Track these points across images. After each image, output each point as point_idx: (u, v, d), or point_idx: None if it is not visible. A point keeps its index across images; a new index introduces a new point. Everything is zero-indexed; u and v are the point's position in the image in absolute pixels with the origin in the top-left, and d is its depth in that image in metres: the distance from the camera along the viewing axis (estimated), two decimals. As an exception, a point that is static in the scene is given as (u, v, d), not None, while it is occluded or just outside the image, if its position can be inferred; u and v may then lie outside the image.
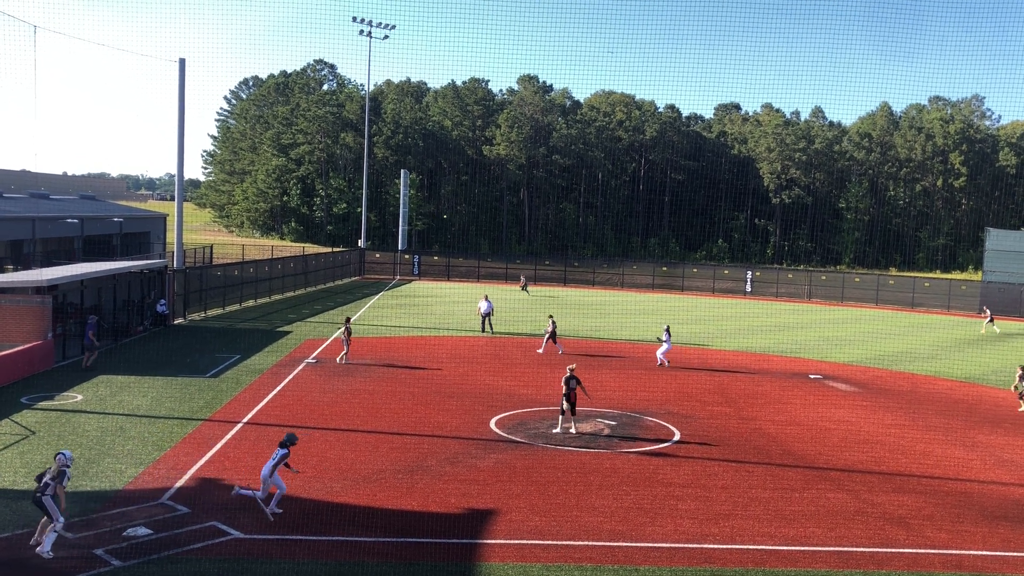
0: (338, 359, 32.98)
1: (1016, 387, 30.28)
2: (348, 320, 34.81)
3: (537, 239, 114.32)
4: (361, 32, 77.93)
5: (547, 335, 37.45)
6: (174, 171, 48.17)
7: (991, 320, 54.10)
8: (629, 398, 28.69)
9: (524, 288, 63.27)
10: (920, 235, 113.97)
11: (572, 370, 24.43)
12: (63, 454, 15.45)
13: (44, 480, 15.07)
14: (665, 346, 35.72)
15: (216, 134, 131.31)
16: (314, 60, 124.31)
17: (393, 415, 25.17)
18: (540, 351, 37.39)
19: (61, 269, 36.93)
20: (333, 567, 14.74)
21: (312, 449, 21.42)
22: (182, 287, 43.82)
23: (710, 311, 59.33)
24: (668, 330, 36.27)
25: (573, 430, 23.82)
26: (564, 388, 24.04)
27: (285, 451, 16.95)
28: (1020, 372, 30.36)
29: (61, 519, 14.84)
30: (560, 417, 24.18)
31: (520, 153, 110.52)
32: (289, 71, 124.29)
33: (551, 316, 38.70)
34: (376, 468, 20.10)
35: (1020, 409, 29.74)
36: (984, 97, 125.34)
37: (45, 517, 14.97)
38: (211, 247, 72.33)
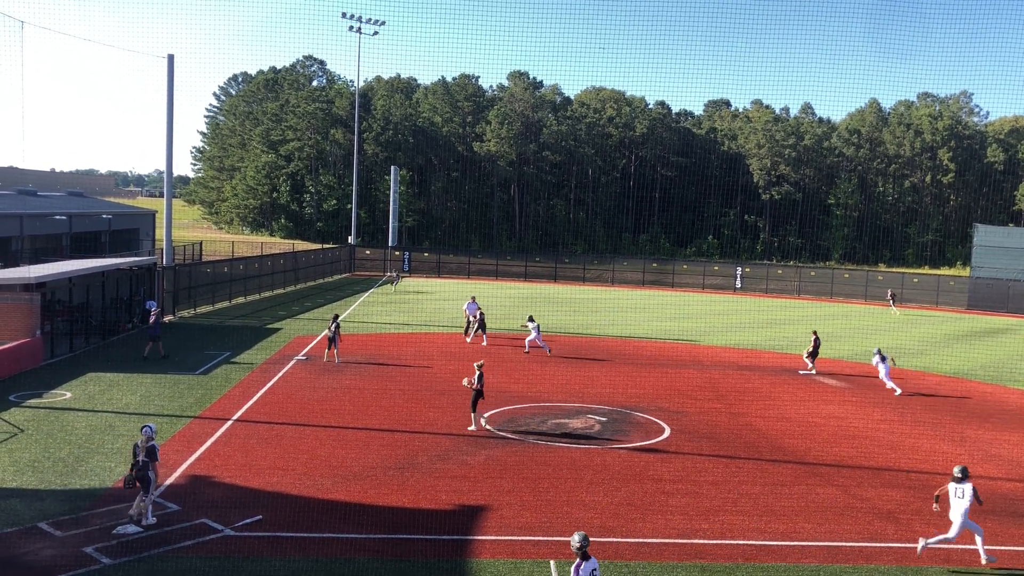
0: (324, 358, 32.68)
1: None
2: (336, 318, 34.43)
3: (527, 236, 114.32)
4: (351, 28, 77.78)
5: (474, 325, 36.46)
6: (163, 167, 47.98)
7: (892, 303, 61.37)
8: (619, 394, 28.74)
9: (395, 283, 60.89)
10: (909, 231, 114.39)
11: (480, 367, 24.23)
12: (149, 427, 16.54)
13: (140, 458, 16.03)
14: (533, 334, 36.51)
15: (205, 130, 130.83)
16: (303, 56, 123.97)
17: (383, 412, 25.16)
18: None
19: (49, 266, 36.76)
20: (324, 564, 14.73)
21: (302, 446, 21.40)
22: (171, 284, 43.66)
23: (700, 307, 59.46)
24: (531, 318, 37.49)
25: (473, 427, 23.51)
26: (479, 384, 23.59)
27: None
28: (814, 339, 34.70)
29: (154, 493, 16.21)
30: (473, 415, 23.74)
31: (510, 149, 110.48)
32: (278, 67, 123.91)
33: (477, 307, 37.32)
34: (367, 465, 20.09)
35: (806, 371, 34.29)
36: (972, 93, 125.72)
37: (141, 492, 15.92)
38: (200, 244, 72.10)
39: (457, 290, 58.01)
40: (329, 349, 32.64)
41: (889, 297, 62.94)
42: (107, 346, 34.78)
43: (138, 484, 16.03)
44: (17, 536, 15.26)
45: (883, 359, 31.88)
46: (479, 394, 23.67)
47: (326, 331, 34.46)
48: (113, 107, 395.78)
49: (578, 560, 11.79)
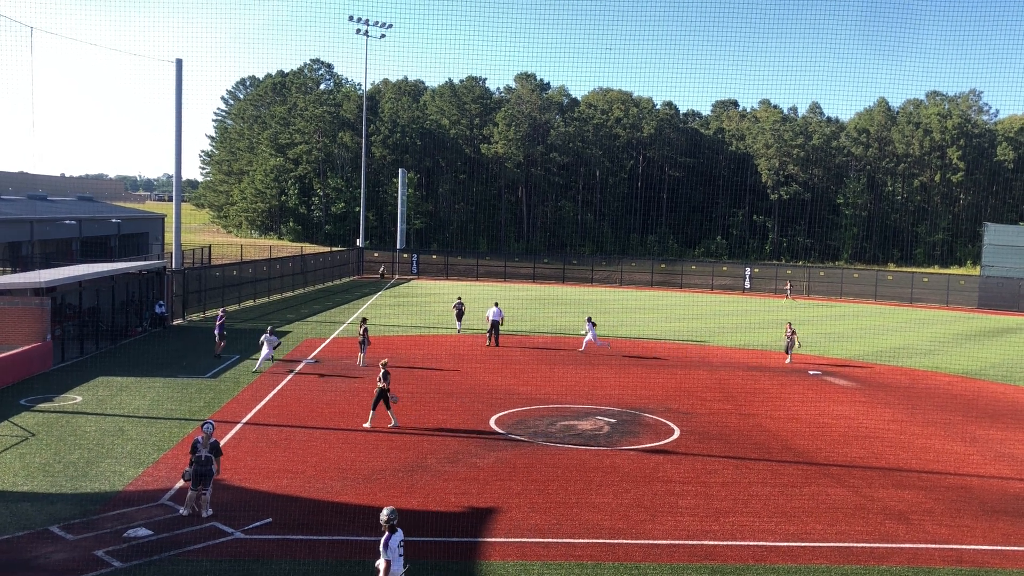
0: (358, 362, 32.63)
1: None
2: (364, 321, 34.39)
3: (535, 237, 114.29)
4: (358, 31, 77.94)
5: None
6: (172, 172, 48.14)
7: (789, 294, 66.81)
8: (628, 395, 28.69)
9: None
10: (918, 230, 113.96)
11: (385, 365, 24.17)
12: (209, 423, 17.22)
13: (202, 453, 16.70)
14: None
15: (214, 134, 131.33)
16: (311, 60, 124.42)
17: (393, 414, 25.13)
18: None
19: (59, 271, 36.89)
20: (333, 566, 14.73)
21: (312, 449, 21.42)
22: (181, 288, 43.79)
23: (709, 307, 59.33)
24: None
25: (393, 423, 23.52)
26: (385, 384, 23.47)
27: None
28: (788, 330, 37.07)
29: (209, 490, 16.75)
30: (371, 413, 23.62)
31: (518, 151, 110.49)
32: (286, 71, 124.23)
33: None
34: (376, 467, 20.09)
35: (786, 361, 36.28)
36: (981, 92, 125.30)
37: (201, 488, 16.50)
38: (209, 247, 72.27)
39: (465, 292, 58.02)
40: (362, 352, 32.67)
41: (787, 287, 68.82)
42: (117, 350, 34.89)
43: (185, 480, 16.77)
44: (28, 539, 15.31)
45: (592, 325, 37.29)
46: (384, 392, 23.50)
47: (356, 335, 34.26)
48: (122, 112, 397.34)
49: (387, 533, 12.44)
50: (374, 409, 23.70)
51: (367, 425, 23.50)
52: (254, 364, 32.31)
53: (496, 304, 39.72)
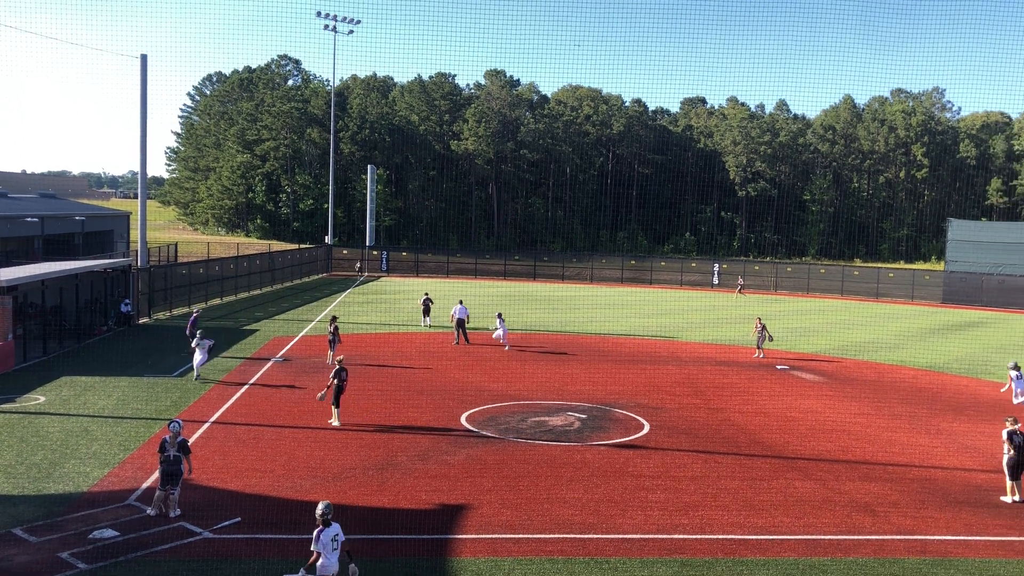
0: (328, 360, 32.30)
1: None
2: (335, 319, 34.17)
3: (506, 234, 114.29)
4: (326, 27, 77.37)
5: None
6: (137, 168, 47.53)
7: (740, 289, 69.90)
8: (599, 391, 28.79)
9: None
10: (884, 226, 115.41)
11: (341, 362, 24.29)
12: (176, 422, 17.10)
13: (170, 453, 16.60)
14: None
15: (180, 131, 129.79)
16: (278, 55, 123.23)
17: (362, 412, 25.04)
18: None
19: (21, 269, 36.26)
20: (303, 565, 14.62)
21: (281, 447, 21.26)
22: (147, 286, 43.26)
23: (678, 303, 59.69)
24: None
25: (336, 423, 23.39)
26: (335, 380, 23.38)
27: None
28: (758, 325, 37.34)
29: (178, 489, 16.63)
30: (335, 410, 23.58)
31: (488, 148, 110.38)
32: (253, 67, 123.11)
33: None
34: (346, 465, 19.99)
35: (757, 356, 36.75)
36: (945, 89, 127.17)
37: (169, 487, 16.38)
38: (176, 245, 71.46)
39: (434, 289, 57.85)
40: (331, 350, 32.45)
41: (739, 282, 71.42)
42: (82, 349, 34.41)
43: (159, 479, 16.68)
44: (-9, 542, 15.05)
45: (502, 321, 37.96)
46: (340, 389, 23.48)
47: (326, 333, 34.00)
48: (86, 108, 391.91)
49: (320, 527, 12.79)
50: (337, 406, 23.54)
51: (335, 423, 23.37)
52: (222, 363, 31.99)
53: (460, 302, 39.66)
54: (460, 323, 38.40)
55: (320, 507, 12.95)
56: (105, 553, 14.72)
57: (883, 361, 37.39)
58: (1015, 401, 28.85)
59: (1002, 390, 30.52)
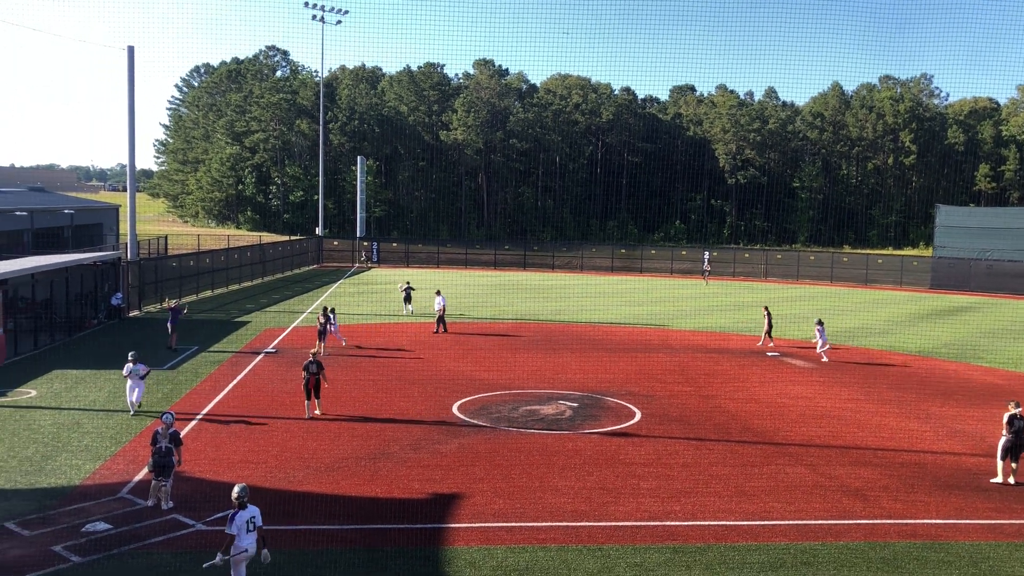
0: (320, 351, 32.13)
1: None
2: (326, 310, 34.14)
3: (496, 224, 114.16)
4: (314, 17, 76.90)
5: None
6: (125, 161, 47.31)
7: (706, 273, 68.59)
8: (590, 379, 28.87)
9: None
10: (873, 213, 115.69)
11: (315, 354, 24.46)
12: (169, 414, 17.20)
13: (162, 444, 16.59)
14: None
15: (168, 123, 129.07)
16: (266, 46, 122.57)
17: (355, 402, 25.07)
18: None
19: (10, 263, 36.10)
20: (297, 556, 14.68)
21: (274, 439, 21.28)
22: (137, 279, 43.12)
23: (669, 292, 59.80)
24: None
25: (318, 411, 23.47)
26: (304, 375, 23.42)
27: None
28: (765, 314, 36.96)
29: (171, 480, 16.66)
30: (307, 403, 23.57)
31: (477, 138, 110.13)
32: (241, 58, 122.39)
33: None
34: (339, 456, 20.02)
35: (765, 344, 36.42)
36: (932, 76, 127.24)
37: (161, 479, 16.43)
38: (166, 238, 71.19)
39: (416, 278, 57.82)
40: (321, 341, 32.44)
41: (705, 269, 69.72)
42: (72, 342, 34.31)
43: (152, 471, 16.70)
44: (-16, 536, 15.04)
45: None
46: (307, 382, 23.47)
47: (316, 324, 34.06)
48: (73, 101, 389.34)
49: (236, 509, 12.93)
50: (308, 399, 23.47)
51: (317, 412, 23.42)
52: (213, 354, 31.95)
53: (438, 292, 40.28)
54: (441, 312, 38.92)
55: (236, 489, 13.07)
56: (98, 546, 14.73)
57: (873, 347, 37.57)
58: (820, 351, 33.88)
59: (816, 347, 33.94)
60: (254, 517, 13.03)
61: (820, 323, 34.62)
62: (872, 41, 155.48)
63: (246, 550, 12.85)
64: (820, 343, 34.09)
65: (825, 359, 33.72)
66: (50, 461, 19.23)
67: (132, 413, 23.35)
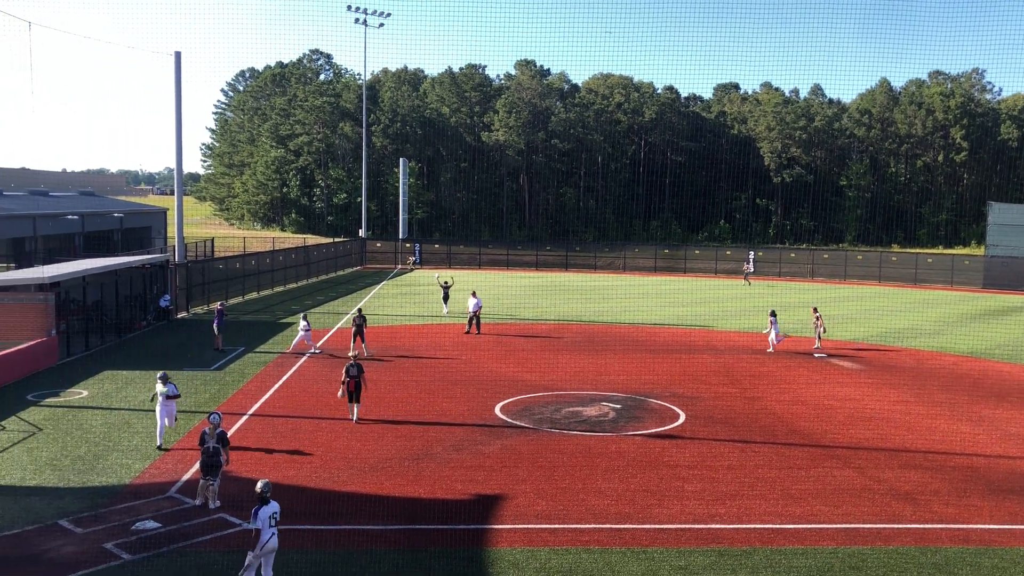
0: (351, 352, 32.32)
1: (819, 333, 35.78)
2: (359, 311, 34.31)
3: (538, 224, 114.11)
4: (356, 20, 77.63)
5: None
6: (173, 165, 48.14)
7: (748, 274, 66.58)
8: (634, 381, 28.70)
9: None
10: (922, 211, 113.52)
11: (356, 356, 24.45)
12: (216, 415, 17.53)
13: (210, 445, 16.86)
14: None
15: (214, 127, 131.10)
16: (310, 50, 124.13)
17: (398, 403, 25.20)
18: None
19: (63, 266, 36.94)
20: (341, 555, 14.79)
21: (318, 439, 21.47)
22: (184, 281, 43.83)
23: (713, 292, 59.26)
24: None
25: (354, 418, 23.13)
26: (344, 377, 23.23)
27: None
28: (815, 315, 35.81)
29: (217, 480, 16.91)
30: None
31: (519, 138, 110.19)
32: (285, 62, 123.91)
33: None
34: (382, 456, 20.14)
35: (769, 350, 35.23)
36: (984, 70, 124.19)
37: (209, 478, 16.70)
38: (212, 240, 72.27)
39: (465, 280, 57.97)
40: (354, 341, 32.61)
41: (747, 268, 68.17)
42: (122, 344, 34.96)
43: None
44: (38, 533, 15.39)
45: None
46: (348, 385, 23.31)
47: (351, 325, 34.22)
48: (123, 106, 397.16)
49: (259, 504, 13.15)
50: (352, 402, 23.32)
51: (353, 419, 23.21)
52: (259, 355, 32.35)
53: (474, 293, 40.08)
54: (475, 314, 38.84)
55: (259, 485, 13.34)
56: (147, 544, 14.99)
57: (922, 348, 36.86)
58: (773, 343, 34.77)
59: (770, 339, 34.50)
60: (276, 512, 13.29)
61: (773, 314, 35.36)
62: (921, 36, 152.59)
63: (268, 542, 13.12)
64: (773, 334, 34.83)
65: (771, 349, 34.77)
66: (101, 460, 19.61)
67: (158, 444, 20.59)
